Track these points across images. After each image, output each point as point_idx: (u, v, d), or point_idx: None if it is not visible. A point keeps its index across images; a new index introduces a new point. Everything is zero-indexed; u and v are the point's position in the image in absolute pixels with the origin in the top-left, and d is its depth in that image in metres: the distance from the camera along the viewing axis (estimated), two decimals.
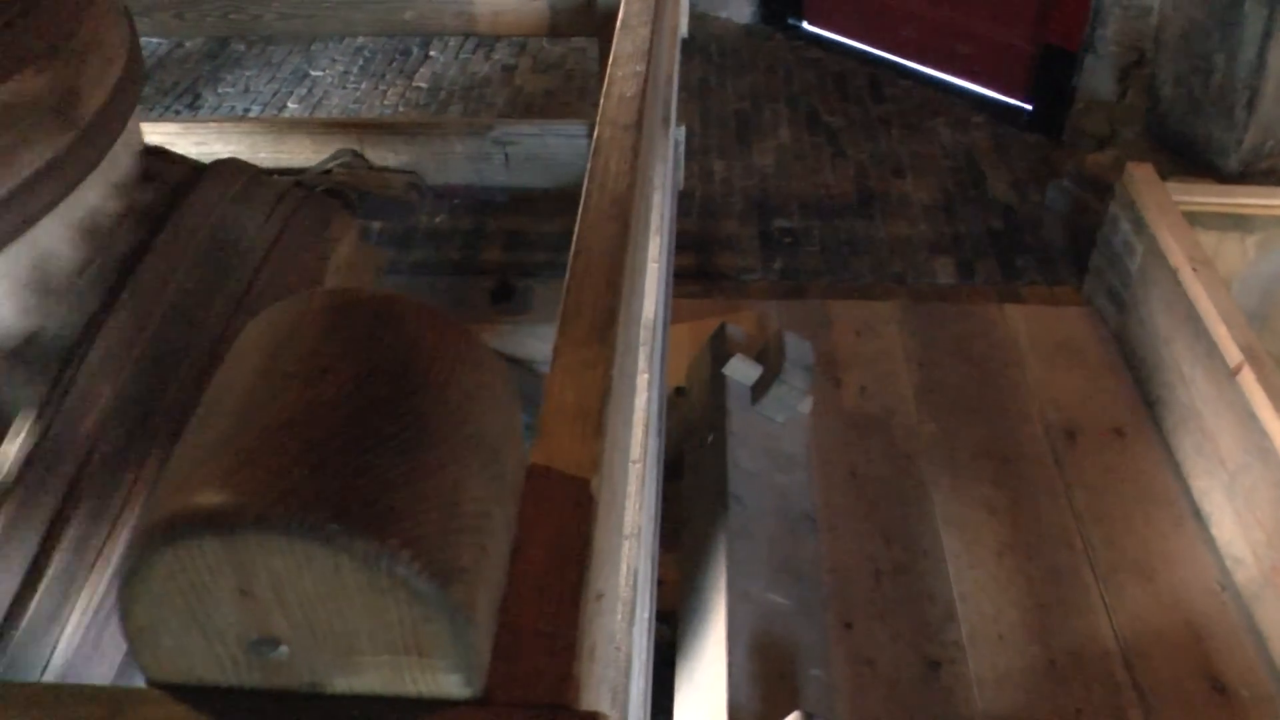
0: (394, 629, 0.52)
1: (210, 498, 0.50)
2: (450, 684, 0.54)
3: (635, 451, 1.11)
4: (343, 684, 0.55)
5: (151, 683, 0.58)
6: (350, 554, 0.49)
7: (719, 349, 2.54)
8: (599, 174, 0.90)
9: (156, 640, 0.55)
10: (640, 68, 1.08)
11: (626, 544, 1.03)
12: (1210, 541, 2.37)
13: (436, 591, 0.50)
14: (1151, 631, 2.21)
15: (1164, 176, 2.86)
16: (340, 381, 0.54)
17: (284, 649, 0.54)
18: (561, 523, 0.61)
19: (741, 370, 2.46)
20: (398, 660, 0.53)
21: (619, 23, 1.24)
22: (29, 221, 1.33)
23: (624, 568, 0.99)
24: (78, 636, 1.25)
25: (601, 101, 1.03)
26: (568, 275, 0.79)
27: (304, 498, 0.49)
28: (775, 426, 2.47)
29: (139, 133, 1.72)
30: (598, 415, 0.67)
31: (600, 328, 0.73)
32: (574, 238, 0.83)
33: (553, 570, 0.58)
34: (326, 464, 0.50)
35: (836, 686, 2.10)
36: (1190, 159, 3.20)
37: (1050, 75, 4.00)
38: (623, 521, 0.94)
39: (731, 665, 1.93)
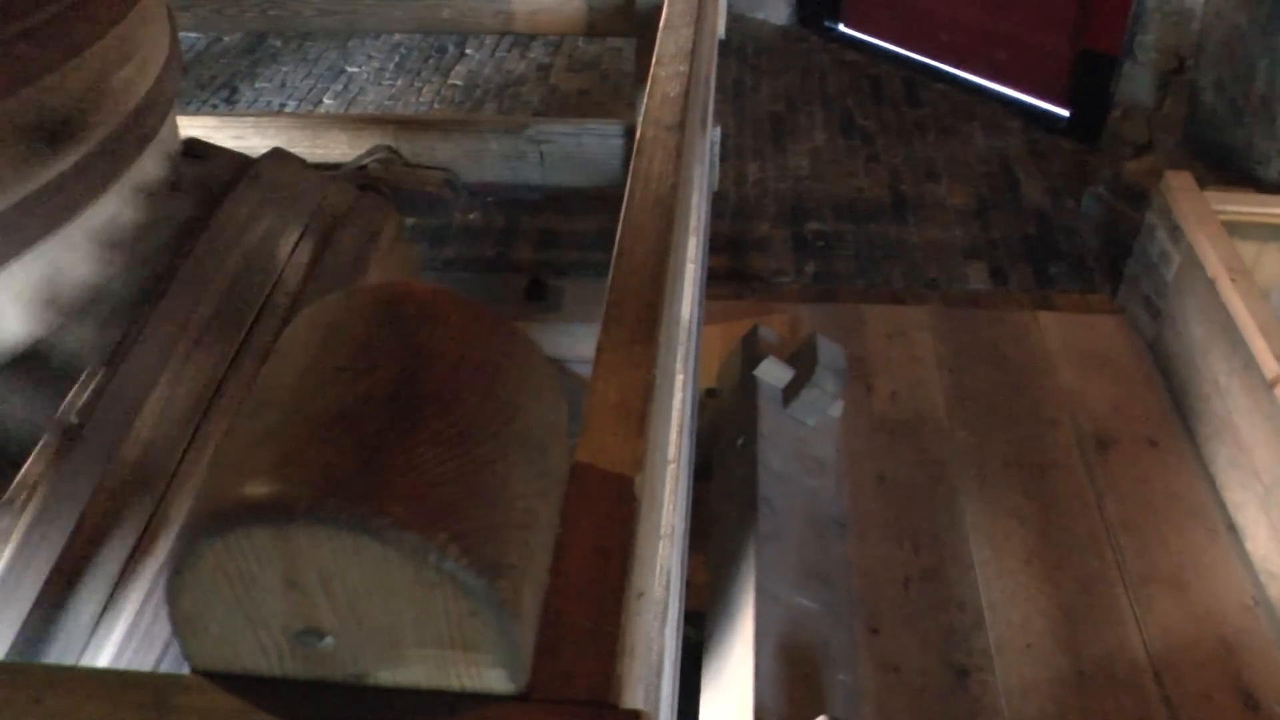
0: (439, 623, 0.52)
1: (261, 488, 0.50)
2: (494, 679, 0.54)
3: (670, 452, 1.11)
4: (386, 677, 0.56)
5: (195, 670, 0.59)
6: (399, 547, 0.49)
7: (751, 351, 2.53)
8: (642, 174, 0.90)
9: (203, 628, 0.56)
10: (684, 68, 1.08)
11: (662, 544, 1.03)
12: (1244, 555, 2.34)
13: (483, 586, 0.50)
14: (1182, 645, 2.18)
15: (1202, 185, 2.83)
16: (389, 375, 0.54)
17: (329, 640, 0.55)
18: (605, 520, 0.61)
19: (773, 372, 2.46)
20: (442, 654, 0.53)
21: (662, 23, 1.24)
22: (74, 208, 1.33)
23: (660, 568, 0.99)
24: (125, 624, 1.25)
25: (645, 101, 1.03)
26: (610, 275, 0.79)
27: (354, 490, 0.49)
28: (805, 430, 2.46)
29: (176, 135, 1.72)
30: (641, 414, 0.67)
31: (644, 328, 0.73)
32: (617, 237, 0.83)
33: (596, 568, 0.58)
34: (376, 457, 0.50)
35: (863, 692, 2.09)
36: (1230, 168, 3.16)
37: (1088, 81, 3.97)
38: (660, 521, 0.94)
39: (758, 668, 1.93)
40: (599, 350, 0.72)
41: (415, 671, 0.55)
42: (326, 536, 0.49)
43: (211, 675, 0.58)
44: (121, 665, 1.23)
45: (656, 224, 0.83)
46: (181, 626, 0.56)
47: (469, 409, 0.54)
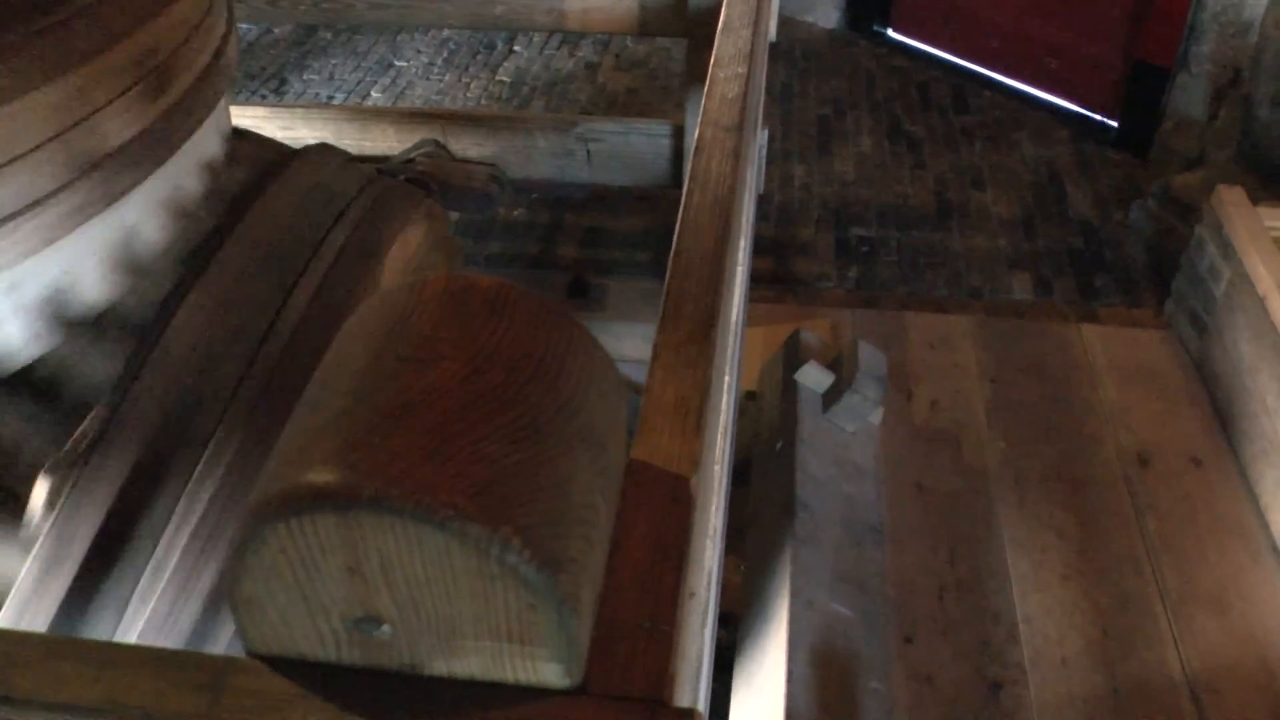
0: (499, 615, 0.52)
1: (327, 475, 0.51)
2: (550, 673, 0.54)
3: (715, 453, 1.11)
4: (441, 667, 0.56)
5: (251, 653, 0.59)
6: (463, 539, 0.49)
7: (793, 355, 2.52)
8: (700, 174, 0.90)
9: (261, 612, 0.56)
10: (742, 69, 1.08)
11: (708, 545, 1.03)
12: None
13: (545, 581, 0.50)
14: (1223, 667, 2.15)
15: (1255, 200, 2.79)
16: (455, 367, 0.55)
17: (386, 629, 0.55)
18: (661, 519, 0.61)
19: (814, 377, 2.45)
20: (499, 646, 0.54)
21: (721, 24, 1.24)
22: (114, 195, 1.35)
23: (705, 568, 0.98)
24: (144, 616, 1.26)
25: (703, 101, 1.03)
26: (668, 274, 0.79)
27: (420, 481, 0.49)
28: (845, 436, 2.46)
29: (228, 115, 1.75)
30: (698, 414, 0.67)
31: (701, 328, 0.73)
32: (675, 236, 0.83)
33: (652, 566, 0.58)
34: (443, 449, 0.51)
35: (895, 701, 2.08)
36: None
37: (1140, 92, 3.93)
38: (709, 522, 0.94)
39: (791, 673, 1.92)
40: (656, 349, 0.73)
41: (471, 663, 0.55)
42: (390, 525, 0.50)
43: (267, 659, 0.59)
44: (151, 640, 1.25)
45: (714, 225, 0.83)
46: (240, 609, 0.57)
47: (533, 403, 0.54)
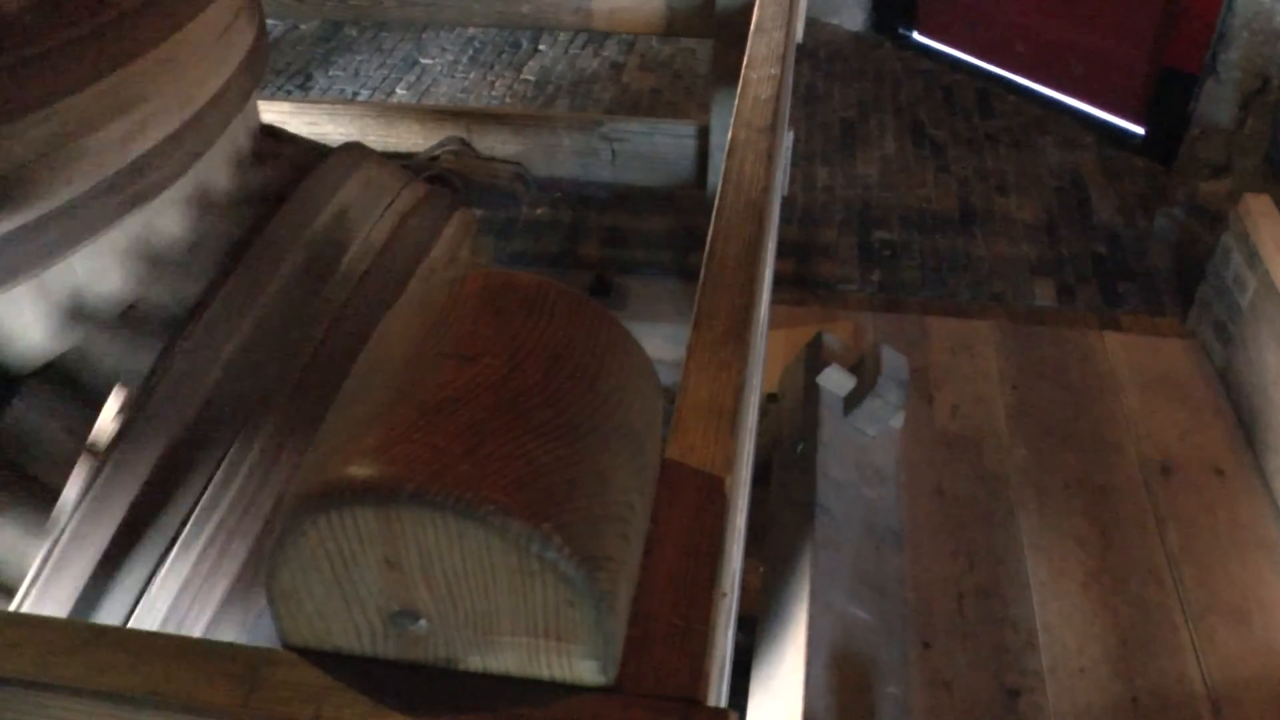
0: (536, 611, 0.52)
1: (367, 469, 0.51)
2: (585, 670, 0.54)
3: (744, 454, 1.11)
4: (476, 662, 0.56)
5: (286, 645, 0.60)
6: (502, 534, 0.50)
7: (814, 357, 2.52)
8: (734, 175, 0.90)
9: (298, 604, 0.57)
10: (775, 70, 1.08)
11: (736, 545, 1.03)
12: None
13: (584, 578, 0.50)
14: (1243, 679, 2.14)
15: None
16: (495, 364, 0.55)
17: (423, 623, 0.55)
18: (695, 519, 0.61)
19: (836, 380, 2.44)
20: (535, 643, 0.54)
21: (753, 25, 1.24)
22: (147, 195, 1.36)
23: (732, 568, 0.99)
24: (165, 604, 1.27)
25: (736, 103, 1.03)
26: (702, 275, 0.79)
27: (461, 476, 0.50)
28: (865, 439, 2.45)
29: (257, 112, 1.76)
30: (732, 415, 0.67)
31: (736, 329, 0.73)
32: (709, 237, 0.83)
33: (686, 566, 0.59)
34: (483, 445, 0.51)
35: (912, 706, 2.07)
36: None
37: (1166, 98, 3.90)
38: (739, 523, 0.94)
39: (809, 675, 1.92)
40: (690, 349, 0.73)
41: (506, 659, 0.55)
42: (430, 520, 0.50)
43: (302, 651, 0.59)
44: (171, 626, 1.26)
45: (748, 227, 0.83)
46: (278, 601, 0.57)
47: (573, 401, 0.55)
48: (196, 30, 1.40)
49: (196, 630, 1.28)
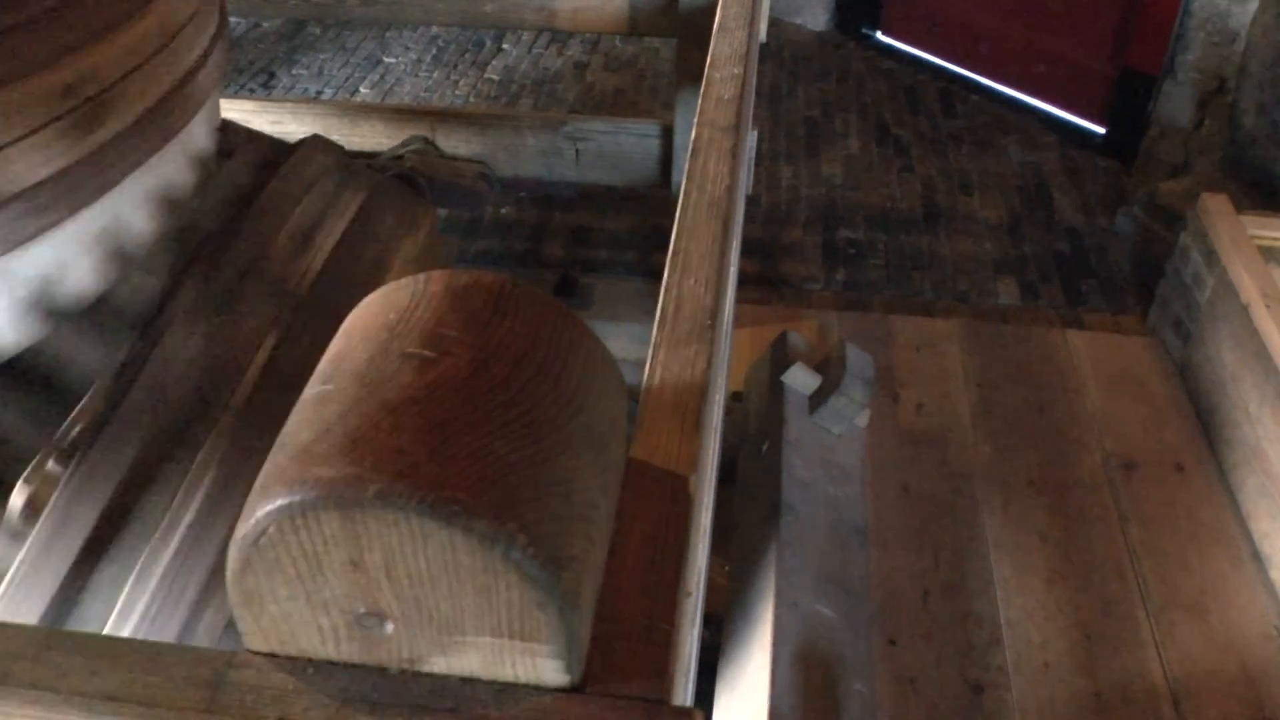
0: (501, 612, 0.52)
1: (331, 469, 0.51)
2: (549, 670, 0.54)
3: (710, 453, 1.12)
4: (441, 663, 0.56)
5: (250, 649, 0.59)
6: (467, 535, 0.49)
7: (780, 356, 2.53)
8: (698, 175, 0.90)
9: (262, 607, 0.56)
10: (738, 70, 1.08)
11: (701, 545, 1.03)
12: (1269, 585, 2.33)
13: (549, 578, 0.50)
14: (1203, 672, 2.17)
15: (1239, 209, 2.81)
16: (459, 363, 0.55)
17: (388, 625, 0.55)
18: (660, 518, 0.61)
19: (801, 379, 2.45)
20: (500, 643, 0.54)
21: (716, 25, 1.24)
22: (105, 186, 1.34)
23: (698, 568, 0.99)
24: (140, 606, 1.26)
25: (699, 102, 1.03)
26: (666, 274, 0.79)
27: (425, 476, 0.49)
28: (831, 438, 2.46)
29: (218, 109, 1.74)
30: (696, 414, 0.67)
31: (700, 328, 0.73)
32: (672, 237, 0.84)
33: (651, 565, 0.59)
34: (448, 444, 0.51)
35: (878, 703, 2.09)
36: (1268, 192, 3.14)
37: (1126, 99, 3.95)
38: (704, 522, 0.94)
39: (775, 674, 1.92)
40: (654, 348, 0.73)
41: (471, 659, 0.55)
42: (395, 521, 0.50)
43: (267, 654, 0.59)
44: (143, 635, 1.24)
45: (711, 225, 0.83)
46: (241, 603, 0.56)
47: (538, 400, 0.55)
48: (156, 18, 1.38)
49: (169, 632, 1.27)
